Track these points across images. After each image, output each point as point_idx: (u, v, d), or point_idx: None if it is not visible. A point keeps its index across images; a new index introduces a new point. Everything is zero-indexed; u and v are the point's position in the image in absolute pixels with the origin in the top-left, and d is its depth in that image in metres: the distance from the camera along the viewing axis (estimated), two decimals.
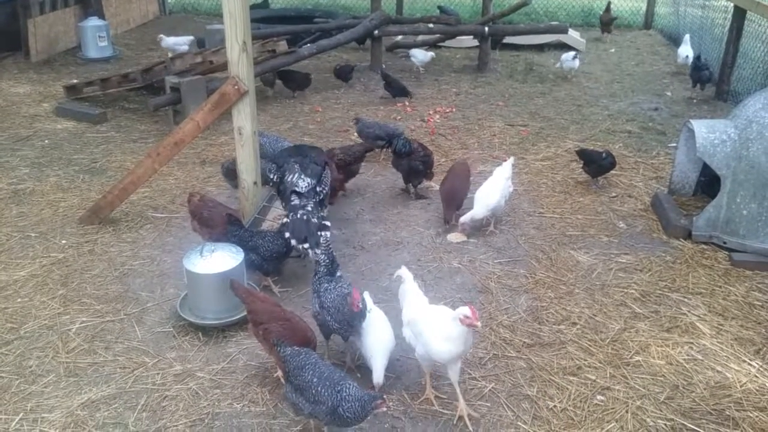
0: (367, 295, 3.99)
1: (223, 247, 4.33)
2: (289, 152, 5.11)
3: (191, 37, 10.29)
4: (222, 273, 4.14)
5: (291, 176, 4.73)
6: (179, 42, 10.10)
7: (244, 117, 5.01)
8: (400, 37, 11.47)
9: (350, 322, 3.69)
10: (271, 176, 4.92)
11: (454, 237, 5.39)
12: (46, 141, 7.43)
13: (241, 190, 5.27)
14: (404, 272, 3.95)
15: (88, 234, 5.42)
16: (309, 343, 3.62)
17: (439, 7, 12.92)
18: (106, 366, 3.94)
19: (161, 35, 10.26)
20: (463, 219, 5.32)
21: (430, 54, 10.47)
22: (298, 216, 4.51)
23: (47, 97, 8.85)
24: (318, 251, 4.26)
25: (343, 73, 9.55)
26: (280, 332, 3.58)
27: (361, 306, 3.64)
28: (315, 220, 4.52)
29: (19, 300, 4.56)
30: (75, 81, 9.20)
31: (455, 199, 5.46)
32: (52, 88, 9.25)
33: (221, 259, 4.21)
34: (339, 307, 3.70)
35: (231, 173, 5.75)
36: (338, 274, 3.98)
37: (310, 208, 4.60)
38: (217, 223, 4.62)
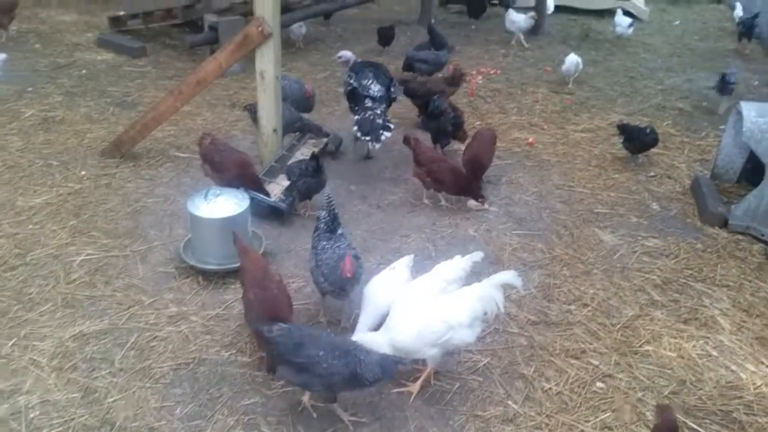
0: (406, 260, 3.81)
1: (229, 192, 4.24)
2: (363, 64, 5.91)
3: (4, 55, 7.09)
4: (225, 218, 4.06)
5: (366, 81, 5.57)
6: None
7: (267, 60, 4.87)
8: None
9: (342, 287, 3.59)
10: (350, 81, 5.62)
11: (474, 204, 5.19)
12: (84, 71, 7.44)
13: (260, 136, 5.16)
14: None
15: (108, 167, 5.41)
16: (279, 319, 3.22)
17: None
18: (102, 300, 3.94)
19: None
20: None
21: (531, 14, 9.41)
22: (366, 115, 5.34)
23: (91, 27, 8.88)
24: (378, 145, 5.29)
25: (384, 37, 8.85)
26: (250, 300, 3.40)
27: (352, 273, 3.53)
28: (380, 121, 5.31)
29: (30, 227, 4.59)
30: (120, 13, 9.16)
31: (478, 168, 5.23)
32: (97, 18, 9.26)
33: (225, 205, 4.12)
34: (332, 269, 3.60)
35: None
36: (339, 231, 3.84)
37: (378, 111, 5.40)
38: (227, 168, 4.53)
